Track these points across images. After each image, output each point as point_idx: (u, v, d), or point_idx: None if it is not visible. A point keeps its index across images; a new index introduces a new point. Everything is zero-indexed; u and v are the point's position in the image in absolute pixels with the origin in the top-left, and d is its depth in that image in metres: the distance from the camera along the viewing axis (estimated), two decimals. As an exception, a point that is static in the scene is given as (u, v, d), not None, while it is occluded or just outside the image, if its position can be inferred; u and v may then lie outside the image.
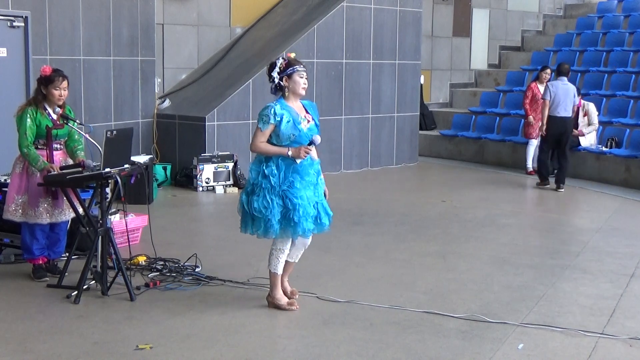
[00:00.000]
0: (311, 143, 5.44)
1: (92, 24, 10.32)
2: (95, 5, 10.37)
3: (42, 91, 6.16)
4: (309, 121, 5.53)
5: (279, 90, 5.52)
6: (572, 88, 11.07)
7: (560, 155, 11.13)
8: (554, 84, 11.12)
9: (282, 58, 5.51)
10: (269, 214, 5.38)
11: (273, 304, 5.67)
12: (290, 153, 5.40)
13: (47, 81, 6.12)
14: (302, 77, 5.48)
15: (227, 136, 11.17)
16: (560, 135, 11.00)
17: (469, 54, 17.06)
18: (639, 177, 11.34)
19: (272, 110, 5.39)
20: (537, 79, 12.34)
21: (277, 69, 5.46)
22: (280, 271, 5.62)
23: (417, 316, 5.55)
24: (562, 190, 11.05)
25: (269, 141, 5.45)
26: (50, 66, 6.26)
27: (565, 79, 11.10)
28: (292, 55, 5.61)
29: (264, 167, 5.43)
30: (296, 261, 5.80)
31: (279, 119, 5.38)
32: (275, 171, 5.41)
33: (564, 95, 10.95)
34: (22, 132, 6.07)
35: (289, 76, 5.46)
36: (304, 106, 5.62)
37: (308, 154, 5.43)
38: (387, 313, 5.61)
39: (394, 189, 11.40)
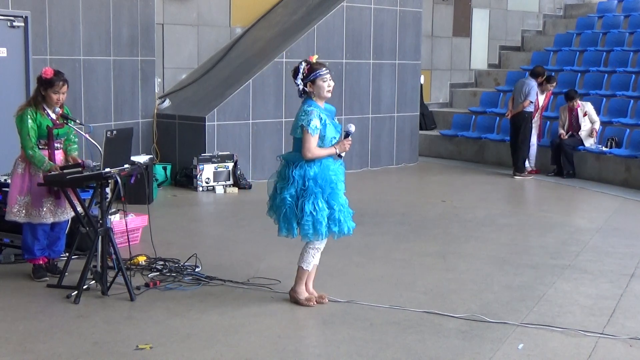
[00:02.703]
0: (348, 134, 5.53)
1: (92, 24, 10.32)
2: (95, 5, 10.37)
3: (41, 92, 6.15)
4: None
5: (304, 94, 5.58)
6: (527, 84, 12.07)
7: (517, 144, 12.21)
8: (518, 81, 12.55)
9: (305, 62, 5.54)
10: (319, 216, 5.45)
11: (294, 298, 5.77)
12: (337, 150, 5.51)
13: (47, 84, 6.10)
14: (325, 81, 5.51)
15: (227, 136, 11.17)
16: (514, 125, 12.17)
17: (469, 54, 17.05)
18: (639, 177, 11.34)
19: (317, 114, 5.47)
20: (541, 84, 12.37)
21: (300, 75, 5.50)
22: (311, 268, 5.70)
23: (417, 316, 5.55)
24: (517, 177, 12.16)
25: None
26: (52, 68, 6.22)
27: (532, 79, 12.17)
28: (314, 58, 5.62)
29: (308, 171, 5.49)
30: (317, 264, 5.81)
31: (323, 122, 5.49)
32: (320, 173, 5.49)
33: (519, 90, 12.16)
34: (24, 134, 6.07)
35: (313, 82, 5.50)
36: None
37: (350, 144, 5.54)
38: (387, 313, 5.61)
39: (394, 189, 11.40)
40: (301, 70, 5.50)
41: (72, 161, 6.26)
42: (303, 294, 5.75)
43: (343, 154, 5.59)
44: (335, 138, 5.56)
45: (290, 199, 5.49)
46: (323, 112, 5.53)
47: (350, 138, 5.56)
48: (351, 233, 5.67)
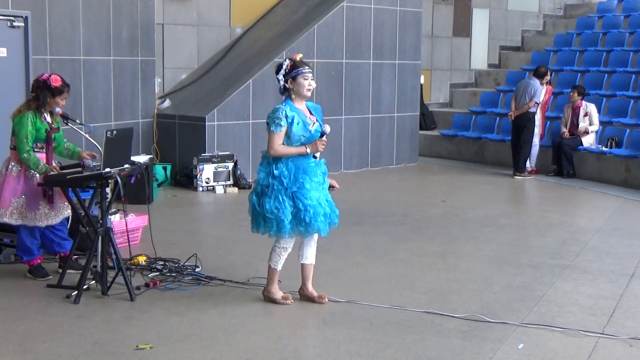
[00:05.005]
0: (323, 134, 5.54)
1: (92, 24, 10.32)
2: (95, 5, 10.37)
3: (43, 97, 6.14)
4: (314, 122, 5.59)
5: (285, 92, 5.57)
6: (531, 85, 12.04)
7: (519, 143, 12.15)
8: (521, 81, 12.61)
9: (289, 59, 5.57)
10: (281, 214, 5.46)
11: (268, 298, 5.77)
12: (308, 150, 5.49)
13: (57, 92, 6.16)
14: (306, 80, 5.52)
15: (227, 136, 11.17)
16: (517, 125, 12.11)
17: (469, 54, 17.05)
18: (639, 177, 11.34)
19: (284, 112, 5.47)
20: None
21: (282, 71, 5.52)
22: (279, 267, 5.70)
23: (417, 316, 5.55)
24: (517, 177, 12.15)
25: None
26: (57, 75, 6.25)
27: (536, 79, 12.14)
28: (299, 56, 5.65)
29: (274, 169, 5.50)
30: (313, 262, 5.81)
31: (290, 120, 5.46)
32: (285, 172, 5.49)
33: (522, 91, 12.08)
34: (22, 137, 6.06)
35: (294, 78, 5.52)
36: (308, 108, 5.67)
37: (324, 145, 5.52)
38: (387, 313, 5.61)
39: (394, 189, 11.40)
40: (284, 67, 5.53)
41: (90, 156, 6.23)
42: (277, 293, 5.75)
43: (317, 154, 5.57)
44: (304, 137, 5.50)
45: (255, 198, 5.55)
46: (296, 111, 5.52)
47: (324, 138, 5.54)
48: (322, 234, 5.64)
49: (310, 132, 5.51)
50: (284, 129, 5.46)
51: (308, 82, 5.52)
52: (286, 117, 5.46)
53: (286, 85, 5.53)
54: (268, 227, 5.54)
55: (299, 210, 5.47)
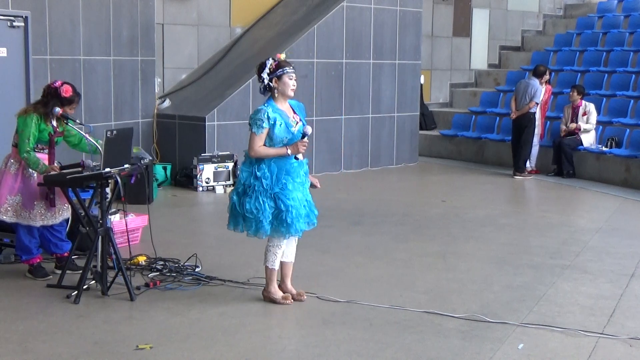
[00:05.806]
0: (304, 135, 5.56)
1: (92, 24, 10.32)
2: (95, 5, 10.37)
3: (52, 105, 6.13)
4: (297, 122, 5.62)
5: (268, 91, 5.59)
6: (531, 85, 12.03)
7: (520, 143, 12.14)
8: (520, 81, 12.51)
9: (272, 59, 5.58)
10: (260, 215, 5.48)
11: (268, 298, 5.78)
12: (289, 151, 5.50)
13: (65, 101, 6.16)
14: (291, 79, 5.55)
15: (227, 136, 11.17)
16: (518, 125, 12.11)
17: (469, 54, 17.05)
18: (639, 177, 11.34)
19: (265, 114, 5.48)
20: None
21: (266, 70, 5.53)
22: (277, 266, 5.72)
23: (417, 316, 5.55)
24: (517, 177, 12.14)
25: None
26: (68, 84, 6.23)
27: (535, 79, 12.17)
28: (282, 56, 5.67)
29: (256, 169, 5.52)
30: (292, 261, 5.83)
31: (272, 122, 5.47)
32: (267, 173, 5.50)
33: (522, 91, 12.07)
34: (24, 137, 6.08)
35: (279, 77, 5.53)
36: (291, 107, 5.68)
37: (306, 146, 5.54)
38: (387, 313, 5.61)
39: (394, 189, 11.40)
40: (268, 65, 5.54)
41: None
42: (277, 293, 5.76)
43: (300, 156, 5.56)
44: (287, 139, 5.51)
45: (236, 197, 5.57)
46: (278, 111, 5.53)
47: (306, 139, 5.55)
48: (299, 235, 5.67)
49: (293, 133, 5.53)
50: (265, 131, 5.47)
51: (292, 82, 5.55)
52: (268, 118, 5.47)
53: (270, 84, 5.54)
54: (247, 226, 5.57)
55: (280, 211, 5.49)
